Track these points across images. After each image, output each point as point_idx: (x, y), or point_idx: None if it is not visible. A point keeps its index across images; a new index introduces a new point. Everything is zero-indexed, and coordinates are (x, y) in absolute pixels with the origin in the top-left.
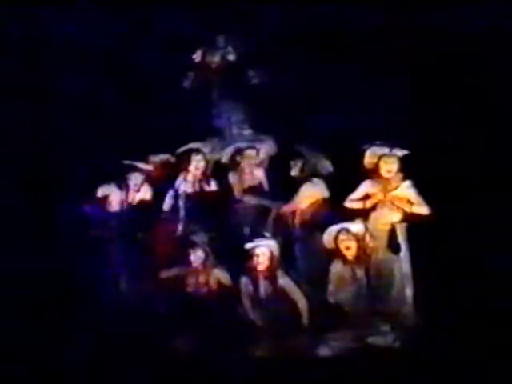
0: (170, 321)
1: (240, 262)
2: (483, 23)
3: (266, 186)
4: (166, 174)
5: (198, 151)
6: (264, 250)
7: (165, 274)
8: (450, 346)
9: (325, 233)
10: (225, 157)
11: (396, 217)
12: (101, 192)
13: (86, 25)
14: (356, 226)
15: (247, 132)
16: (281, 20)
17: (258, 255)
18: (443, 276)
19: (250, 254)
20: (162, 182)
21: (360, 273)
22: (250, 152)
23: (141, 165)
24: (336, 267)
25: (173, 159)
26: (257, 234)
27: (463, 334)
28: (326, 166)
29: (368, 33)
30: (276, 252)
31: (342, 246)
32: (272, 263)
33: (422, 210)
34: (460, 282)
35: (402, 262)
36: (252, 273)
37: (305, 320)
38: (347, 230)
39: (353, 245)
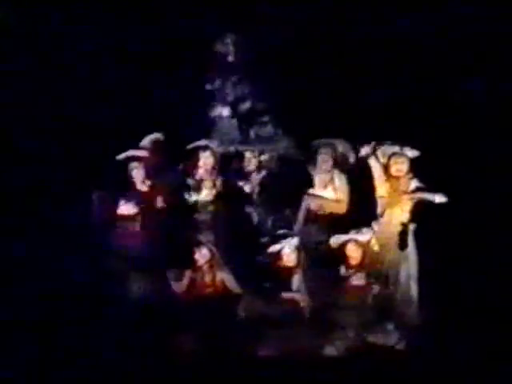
0: (174, 320)
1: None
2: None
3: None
4: (160, 156)
5: (205, 147)
6: (292, 248)
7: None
8: (454, 347)
9: (333, 237)
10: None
11: (405, 217)
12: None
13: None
14: (364, 236)
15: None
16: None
17: (287, 255)
18: (449, 277)
19: (277, 255)
20: (160, 167)
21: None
22: (249, 155)
23: (134, 152)
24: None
25: (162, 137)
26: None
27: (468, 334)
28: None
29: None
30: (300, 248)
31: (348, 253)
32: (298, 260)
33: (437, 198)
34: (466, 283)
35: (410, 263)
36: (281, 272)
37: (305, 317)
38: (356, 241)
39: (359, 253)
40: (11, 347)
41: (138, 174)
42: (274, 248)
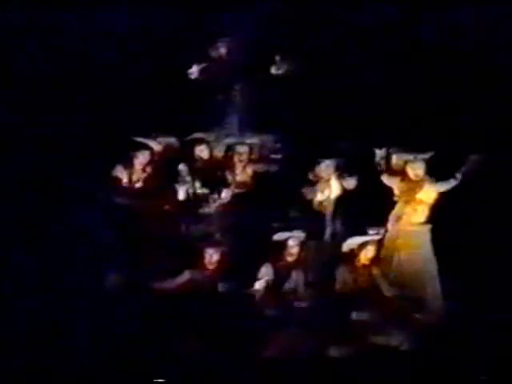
0: (178, 321)
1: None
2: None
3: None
4: (168, 158)
5: (201, 141)
6: (296, 242)
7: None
8: (460, 350)
9: (348, 239)
10: (218, 152)
11: (419, 218)
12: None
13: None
14: (377, 236)
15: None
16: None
17: (291, 247)
18: (465, 278)
19: (281, 245)
20: (164, 165)
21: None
22: (241, 148)
23: (152, 143)
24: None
25: (177, 143)
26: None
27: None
28: None
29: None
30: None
31: (363, 253)
32: (301, 255)
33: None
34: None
35: (428, 263)
36: (282, 264)
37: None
38: (374, 242)
39: (373, 254)
40: None
41: (142, 158)
42: (280, 236)
